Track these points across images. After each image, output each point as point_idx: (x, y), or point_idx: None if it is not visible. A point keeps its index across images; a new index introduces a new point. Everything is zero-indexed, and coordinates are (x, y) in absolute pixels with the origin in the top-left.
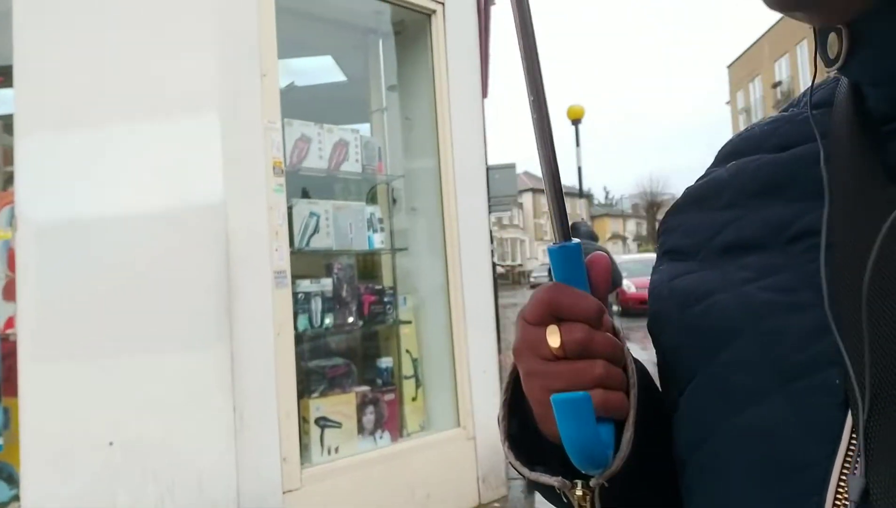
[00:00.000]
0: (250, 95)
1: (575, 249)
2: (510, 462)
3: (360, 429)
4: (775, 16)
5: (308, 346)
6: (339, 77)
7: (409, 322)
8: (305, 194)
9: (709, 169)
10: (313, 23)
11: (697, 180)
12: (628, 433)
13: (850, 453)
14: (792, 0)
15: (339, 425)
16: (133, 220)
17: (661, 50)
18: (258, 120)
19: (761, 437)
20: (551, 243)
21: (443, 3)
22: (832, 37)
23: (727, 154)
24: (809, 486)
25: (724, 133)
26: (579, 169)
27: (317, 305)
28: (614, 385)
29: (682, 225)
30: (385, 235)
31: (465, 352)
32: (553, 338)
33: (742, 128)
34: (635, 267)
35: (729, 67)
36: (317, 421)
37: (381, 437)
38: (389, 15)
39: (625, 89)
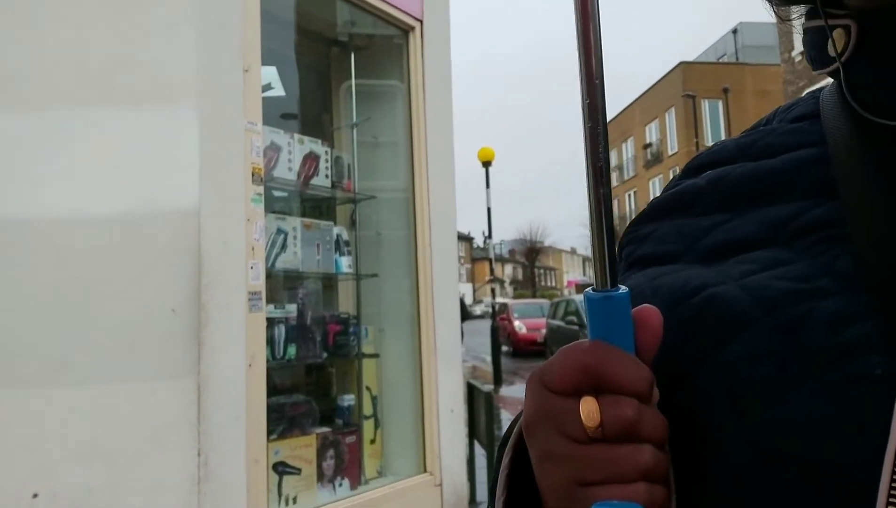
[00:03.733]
0: (231, 91)
1: (623, 300)
2: None
3: (320, 476)
4: (647, 84)
5: (269, 379)
6: (279, 92)
7: (376, 356)
8: (271, 208)
9: (675, 182)
10: (274, 25)
11: (663, 192)
12: None
13: None
14: None
15: (298, 471)
16: (80, 225)
17: (542, 105)
18: (239, 120)
19: (791, 436)
20: (590, 290)
21: (421, 21)
22: (837, 33)
23: (698, 166)
24: (857, 487)
25: None
26: (489, 210)
27: (280, 333)
28: (659, 477)
29: (654, 234)
30: (352, 259)
31: (433, 390)
32: (591, 414)
33: (615, 184)
34: (526, 309)
35: None
36: (275, 467)
37: (340, 485)
38: (363, 27)
39: (506, 143)
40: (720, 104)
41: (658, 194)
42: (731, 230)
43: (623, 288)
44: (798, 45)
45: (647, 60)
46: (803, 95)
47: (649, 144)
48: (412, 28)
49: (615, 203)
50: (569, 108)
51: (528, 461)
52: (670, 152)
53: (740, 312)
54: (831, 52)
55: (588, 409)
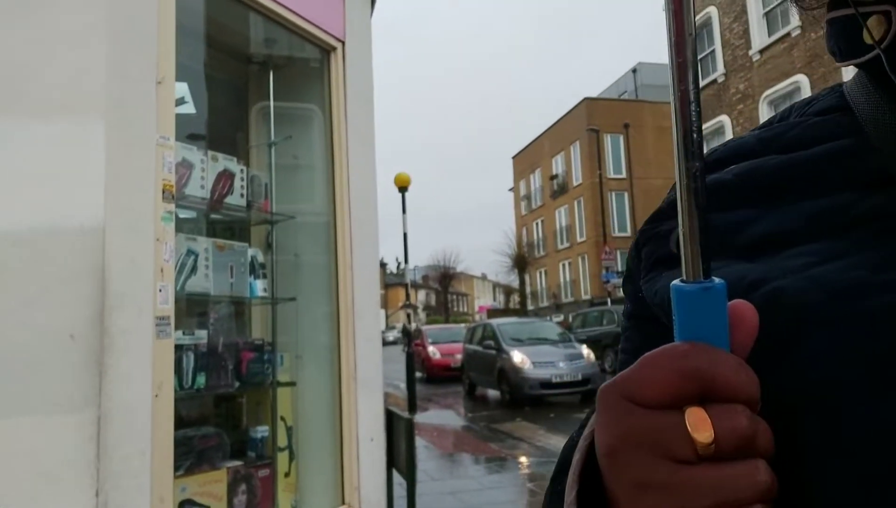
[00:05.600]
0: (143, 103)
1: (721, 292)
2: None
3: None
4: (556, 116)
5: (176, 411)
6: (191, 109)
7: (292, 384)
8: (182, 228)
9: None
10: (189, 40)
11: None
12: None
13: None
14: None
15: None
16: None
17: (455, 135)
18: (151, 134)
19: (889, 442)
20: (678, 282)
21: (343, 42)
22: (876, 19)
23: (717, 161)
24: None
25: (507, 216)
26: (405, 235)
27: (189, 361)
28: (772, 498)
29: (677, 230)
30: (267, 282)
31: (353, 418)
32: (702, 429)
33: (524, 212)
34: (440, 334)
35: (514, 158)
36: (181, 505)
37: None
38: (283, 46)
39: (424, 170)
40: (621, 138)
41: (564, 224)
42: (771, 224)
43: (719, 279)
44: None
45: (557, 94)
46: (820, 91)
47: (556, 176)
48: (334, 49)
49: (523, 232)
50: (479, 137)
51: (597, 497)
52: (575, 183)
53: (814, 306)
54: (867, 41)
55: (699, 422)
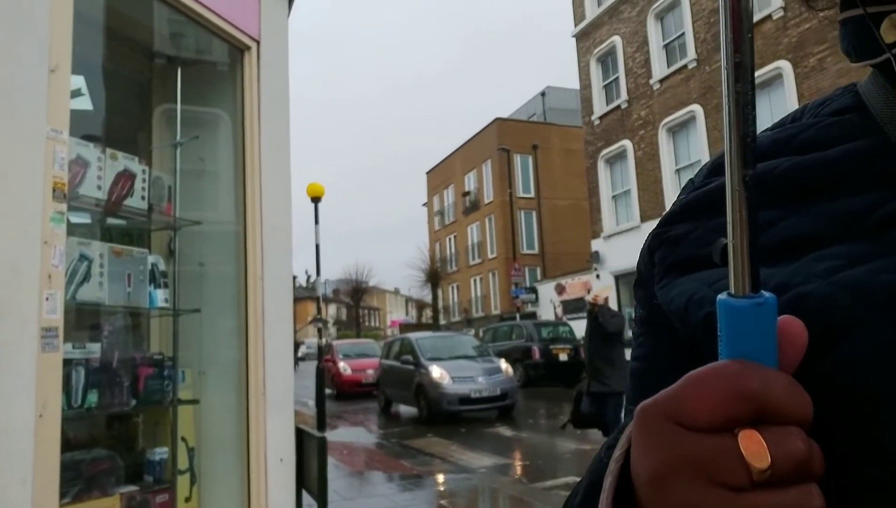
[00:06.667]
0: (32, 92)
1: (773, 308)
2: None
3: None
4: (469, 134)
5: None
6: (87, 105)
7: (195, 402)
8: (74, 231)
9: (701, 180)
10: (88, 29)
11: (689, 193)
12: None
13: None
14: None
15: None
16: None
17: (371, 152)
18: (41, 126)
19: None
20: (725, 295)
21: (258, 42)
22: (890, 20)
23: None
24: None
25: (421, 232)
26: (317, 247)
27: (79, 377)
28: None
29: (690, 235)
30: (169, 292)
31: (261, 438)
32: (759, 453)
33: (437, 228)
34: (351, 349)
35: (428, 173)
36: None
37: None
38: (191, 43)
39: (336, 182)
40: (530, 159)
41: (476, 240)
42: (791, 228)
43: (769, 293)
44: (597, 111)
45: (471, 112)
46: (833, 91)
47: (468, 193)
48: (248, 48)
49: (436, 247)
50: (396, 151)
51: None
52: (486, 201)
53: (842, 311)
54: (889, 39)
55: (755, 447)
